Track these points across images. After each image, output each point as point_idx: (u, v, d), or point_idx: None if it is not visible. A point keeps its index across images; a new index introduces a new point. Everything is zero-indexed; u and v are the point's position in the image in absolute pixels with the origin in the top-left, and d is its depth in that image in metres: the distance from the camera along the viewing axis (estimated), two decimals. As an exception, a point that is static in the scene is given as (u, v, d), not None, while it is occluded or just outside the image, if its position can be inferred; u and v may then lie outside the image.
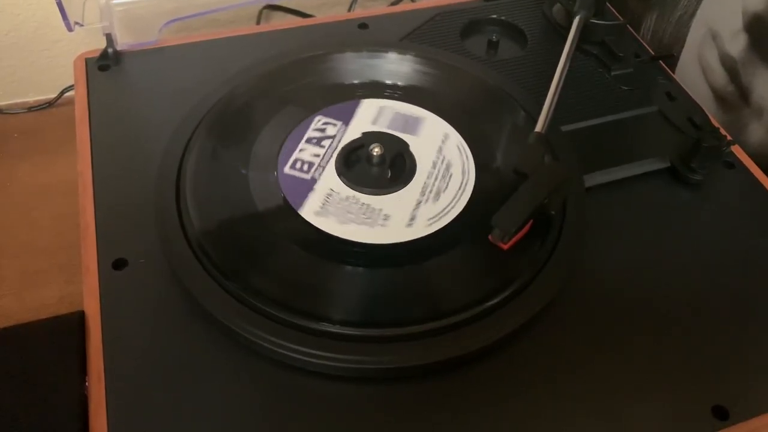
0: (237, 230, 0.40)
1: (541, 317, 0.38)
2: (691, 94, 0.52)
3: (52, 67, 0.71)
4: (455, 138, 0.46)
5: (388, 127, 0.46)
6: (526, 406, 0.35)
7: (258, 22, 0.74)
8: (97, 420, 0.33)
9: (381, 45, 0.51)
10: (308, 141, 0.45)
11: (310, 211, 0.41)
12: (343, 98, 0.48)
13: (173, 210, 0.40)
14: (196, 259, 0.38)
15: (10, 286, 0.56)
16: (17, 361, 0.35)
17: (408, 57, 0.51)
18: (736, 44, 0.55)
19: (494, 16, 0.58)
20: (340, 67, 0.50)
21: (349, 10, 0.76)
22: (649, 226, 0.44)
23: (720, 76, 0.57)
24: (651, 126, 0.49)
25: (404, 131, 0.46)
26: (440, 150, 0.45)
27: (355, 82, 0.50)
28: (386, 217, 0.41)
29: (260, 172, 0.43)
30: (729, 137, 0.47)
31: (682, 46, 0.61)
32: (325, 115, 0.47)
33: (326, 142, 0.45)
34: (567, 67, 0.47)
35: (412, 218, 0.41)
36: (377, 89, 0.49)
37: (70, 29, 0.50)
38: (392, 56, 0.51)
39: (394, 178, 0.43)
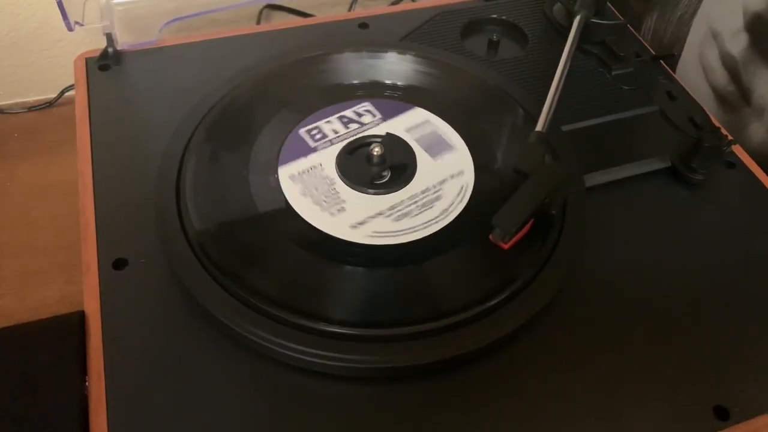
0: (237, 230, 0.40)
1: (541, 317, 0.38)
2: (691, 94, 0.52)
3: (52, 67, 0.71)
4: (466, 179, 0.43)
5: (416, 140, 0.45)
6: (526, 406, 0.35)
7: (258, 22, 0.74)
8: (97, 420, 0.33)
9: (381, 45, 0.51)
10: (340, 118, 0.46)
11: (286, 171, 0.41)
12: (343, 98, 0.48)
13: (173, 210, 0.40)
14: (196, 259, 0.38)
15: (10, 286, 0.56)
16: (17, 361, 0.35)
17: (408, 57, 0.51)
18: (737, 44, 0.55)
19: (494, 15, 0.58)
20: (340, 68, 0.50)
21: (350, 9, 0.76)
22: (650, 226, 0.44)
23: (721, 76, 0.57)
24: (651, 126, 0.49)
25: (427, 150, 0.45)
26: (442, 182, 0.43)
27: (355, 82, 0.50)
28: (341, 210, 0.41)
29: (260, 172, 0.43)
30: (730, 137, 0.47)
31: (683, 46, 0.61)
32: (373, 104, 0.47)
33: (353, 126, 0.46)
34: (567, 67, 0.47)
35: (361, 223, 0.40)
36: (377, 89, 0.49)
37: (70, 29, 0.50)
38: (392, 56, 0.51)
39: (378, 184, 0.43)
